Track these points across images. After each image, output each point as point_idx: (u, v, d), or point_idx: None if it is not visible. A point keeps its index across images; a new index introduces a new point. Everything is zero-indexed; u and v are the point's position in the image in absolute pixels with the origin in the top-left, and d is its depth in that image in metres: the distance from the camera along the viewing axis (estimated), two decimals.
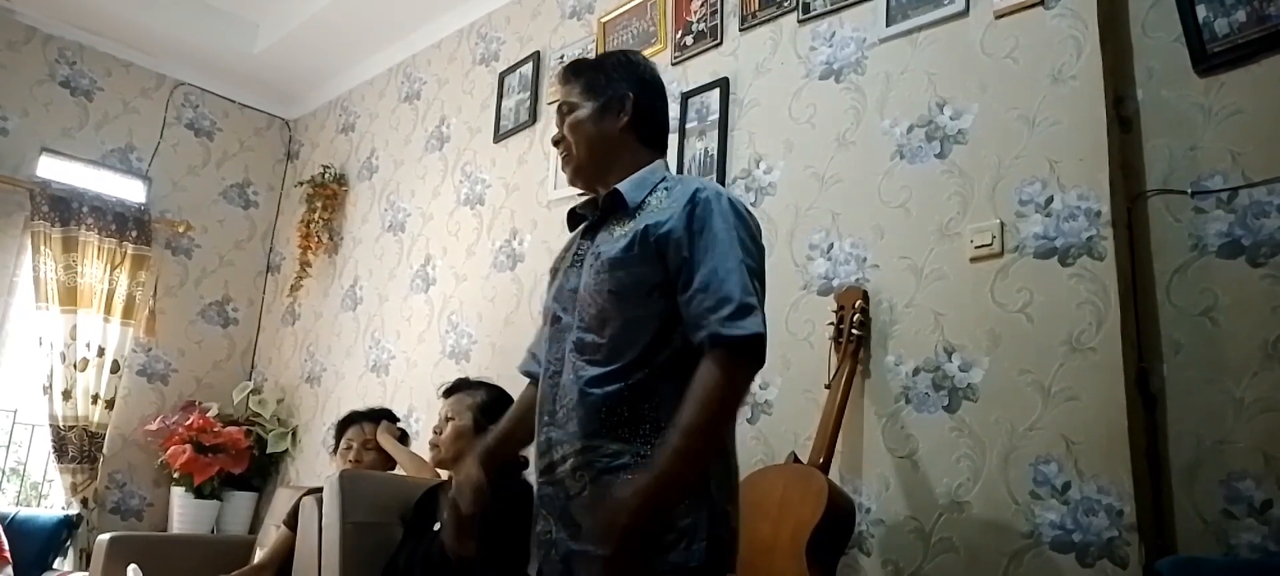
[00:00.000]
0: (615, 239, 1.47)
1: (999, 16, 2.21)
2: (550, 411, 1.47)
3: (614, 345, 1.41)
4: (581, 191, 1.66)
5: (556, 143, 1.63)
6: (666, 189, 1.51)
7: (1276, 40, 1.86)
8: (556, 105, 1.63)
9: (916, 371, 2.16)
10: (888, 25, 2.42)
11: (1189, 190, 1.92)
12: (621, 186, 1.53)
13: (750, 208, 1.53)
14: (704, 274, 1.38)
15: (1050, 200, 2.03)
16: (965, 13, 2.27)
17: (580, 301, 1.48)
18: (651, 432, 1.37)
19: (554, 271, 1.65)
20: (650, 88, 1.62)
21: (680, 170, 2.85)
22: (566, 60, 3.43)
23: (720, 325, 1.34)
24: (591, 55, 3.30)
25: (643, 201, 1.51)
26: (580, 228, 1.64)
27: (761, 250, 1.48)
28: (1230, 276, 1.84)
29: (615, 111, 1.56)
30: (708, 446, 1.35)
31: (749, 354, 1.36)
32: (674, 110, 2.92)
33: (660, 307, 1.41)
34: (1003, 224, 2.09)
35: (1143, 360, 1.90)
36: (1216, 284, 1.86)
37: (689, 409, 1.32)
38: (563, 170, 1.65)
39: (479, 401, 2.50)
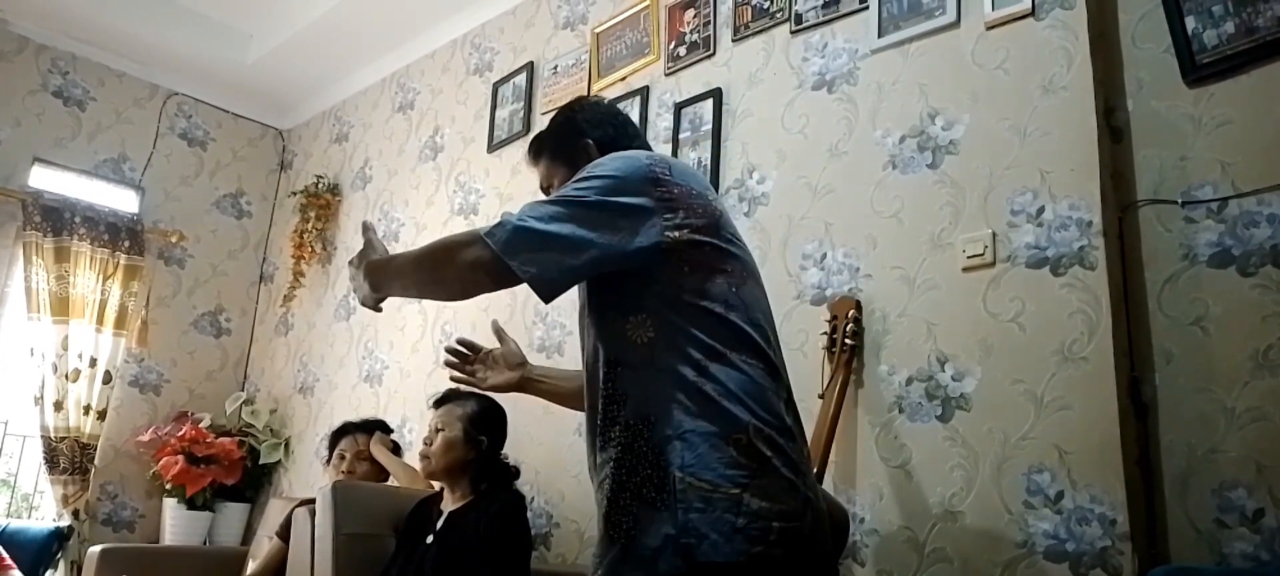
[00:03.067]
0: None
1: (990, 28, 2.22)
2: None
3: (596, 355, 1.38)
4: None
5: None
6: None
7: (1265, 51, 1.87)
8: (540, 187, 1.68)
9: (909, 381, 2.16)
10: (879, 36, 2.43)
11: (1179, 200, 1.93)
12: None
13: (647, 155, 1.44)
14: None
15: (1042, 210, 2.04)
16: (956, 24, 2.28)
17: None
18: (620, 433, 1.28)
19: None
20: (606, 123, 1.64)
21: None
22: (558, 71, 3.44)
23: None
24: (585, 64, 3.32)
25: None
26: None
27: (598, 183, 1.34)
28: (1221, 286, 1.85)
29: (584, 160, 1.53)
30: (404, 274, 1.47)
31: (478, 245, 1.31)
32: (667, 120, 2.95)
33: (624, 304, 1.34)
34: (995, 234, 2.10)
35: (1134, 369, 1.91)
36: (1207, 293, 1.86)
37: (417, 248, 1.47)
38: None
39: (469, 412, 2.50)
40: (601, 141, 1.59)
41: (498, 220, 1.33)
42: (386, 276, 1.50)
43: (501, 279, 1.32)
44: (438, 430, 2.48)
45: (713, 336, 1.29)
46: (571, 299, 3.21)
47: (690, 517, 1.19)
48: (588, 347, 1.43)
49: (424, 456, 2.49)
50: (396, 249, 3.99)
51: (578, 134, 1.61)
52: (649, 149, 1.64)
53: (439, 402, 2.58)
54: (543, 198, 1.41)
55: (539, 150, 1.66)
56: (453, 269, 1.37)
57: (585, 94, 3.10)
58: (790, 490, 1.25)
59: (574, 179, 1.38)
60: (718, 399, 1.25)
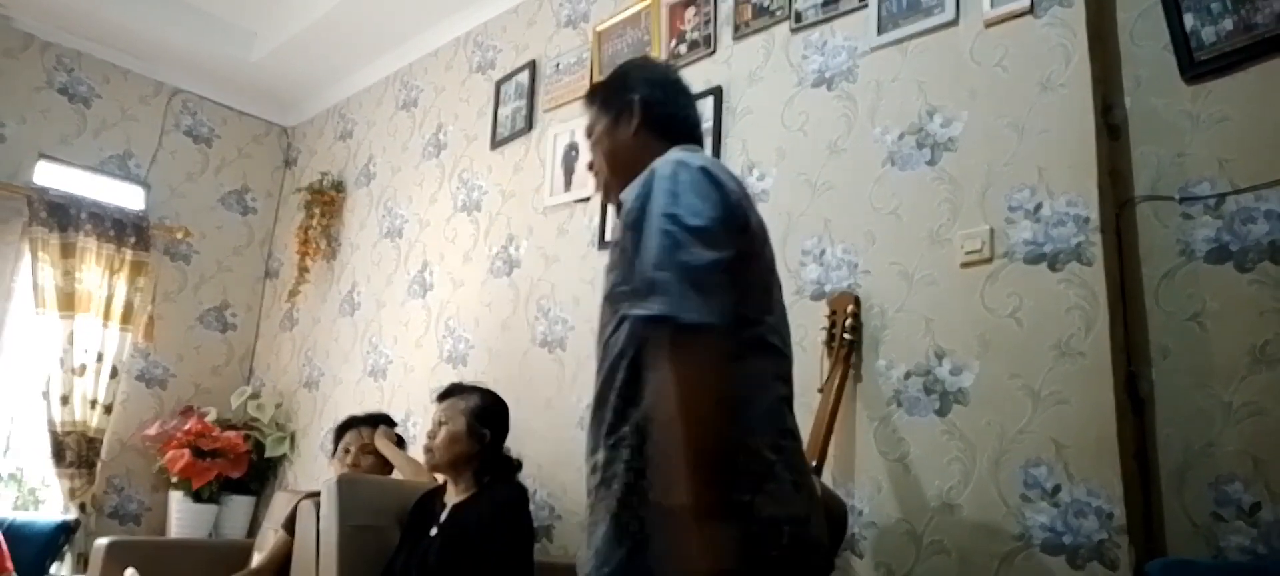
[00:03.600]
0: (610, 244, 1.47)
1: (989, 25, 2.23)
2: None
3: (607, 348, 1.38)
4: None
5: (590, 167, 1.66)
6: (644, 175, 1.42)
7: (1263, 48, 1.88)
8: (586, 134, 1.67)
9: (908, 375, 2.18)
10: (879, 34, 2.44)
11: (1177, 196, 1.94)
12: (624, 193, 1.47)
13: (717, 167, 1.38)
14: (637, 265, 1.28)
15: (1039, 206, 2.05)
16: (955, 22, 2.30)
17: (602, 305, 1.47)
18: (630, 433, 1.28)
19: None
20: (657, 85, 1.61)
21: None
22: (560, 68, 3.45)
23: (629, 305, 1.26)
24: (587, 62, 3.33)
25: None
26: None
27: (706, 210, 1.28)
28: (1218, 282, 1.86)
29: (626, 119, 1.57)
30: (690, 450, 1.15)
31: (671, 331, 1.19)
32: None
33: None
34: (992, 230, 2.11)
35: (1131, 364, 1.92)
36: (1204, 289, 1.88)
37: (657, 430, 1.20)
38: (596, 191, 1.66)
39: (473, 406, 2.52)
40: (648, 100, 1.57)
41: (630, 292, 1.26)
42: (688, 508, 1.15)
43: (714, 339, 1.21)
44: (441, 423, 2.50)
45: (738, 342, 1.28)
46: (573, 294, 3.24)
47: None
48: (606, 338, 1.38)
49: (428, 449, 2.51)
50: (398, 244, 4.03)
51: (627, 89, 1.60)
52: (696, 115, 1.64)
53: (442, 396, 2.60)
54: (651, 221, 1.28)
55: (592, 97, 1.67)
56: (689, 388, 1.18)
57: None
58: (795, 493, 1.27)
59: (672, 204, 1.27)
60: (733, 407, 1.24)
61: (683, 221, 1.26)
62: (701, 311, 1.19)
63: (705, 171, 1.35)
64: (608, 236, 1.64)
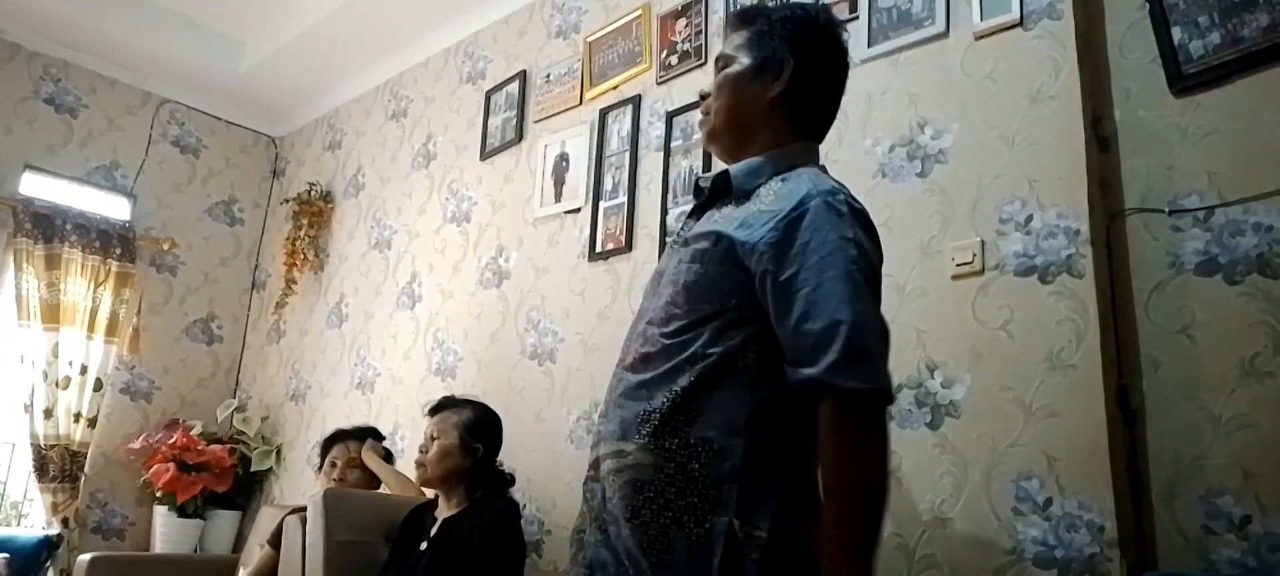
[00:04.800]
0: (707, 227, 1.32)
1: (979, 38, 2.23)
2: (605, 403, 1.36)
3: (671, 345, 1.27)
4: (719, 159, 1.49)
5: (701, 97, 1.47)
6: (783, 181, 1.31)
7: (1251, 61, 1.89)
8: (716, 57, 1.47)
9: (899, 388, 2.17)
10: (869, 46, 2.44)
11: (1166, 209, 1.95)
12: (733, 168, 1.37)
13: (856, 210, 1.29)
14: (807, 299, 1.17)
15: (1030, 219, 2.05)
16: (945, 34, 2.30)
17: (660, 288, 1.35)
18: (679, 449, 1.21)
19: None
20: (824, 59, 1.41)
21: (665, 189, 2.86)
22: (551, 79, 3.44)
23: (830, 372, 1.13)
24: (577, 73, 3.32)
25: (753, 190, 1.33)
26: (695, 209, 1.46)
27: (879, 270, 1.27)
28: (1207, 294, 1.86)
29: (770, 77, 1.37)
30: (871, 529, 1.13)
31: (874, 406, 1.15)
32: (659, 129, 2.96)
33: (730, 316, 1.25)
34: (983, 242, 2.11)
35: (1122, 377, 1.92)
36: (1194, 301, 1.88)
37: (832, 504, 1.12)
38: (700, 128, 1.48)
39: (466, 419, 2.50)
40: (803, 73, 1.37)
41: (834, 364, 1.13)
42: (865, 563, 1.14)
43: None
44: (433, 437, 2.48)
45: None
46: (564, 306, 3.23)
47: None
48: (674, 329, 1.28)
49: (420, 464, 2.49)
50: (386, 256, 4.01)
51: (788, 40, 1.38)
52: (830, 123, 1.49)
53: (434, 410, 2.58)
54: (833, 269, 1.19)
55: (748, 22, 1.44)
56: (879, 465, 1.17)
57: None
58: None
59: (856, 255, 1.21)
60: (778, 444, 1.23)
61: (873, 283, 1.22)
62: (890, 385, 1.19)
63: (870, 219, 1.30)
64: (682, 217, 1.49)
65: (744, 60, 1.40)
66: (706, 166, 2.77)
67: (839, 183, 1.33)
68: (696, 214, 1.42)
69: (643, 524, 1.21)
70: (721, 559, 1.16)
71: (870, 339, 1.16)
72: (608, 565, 1.25)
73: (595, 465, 1.33)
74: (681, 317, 1.28)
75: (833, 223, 1.22)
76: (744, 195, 1.33)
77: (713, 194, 1.38)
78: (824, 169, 1.41)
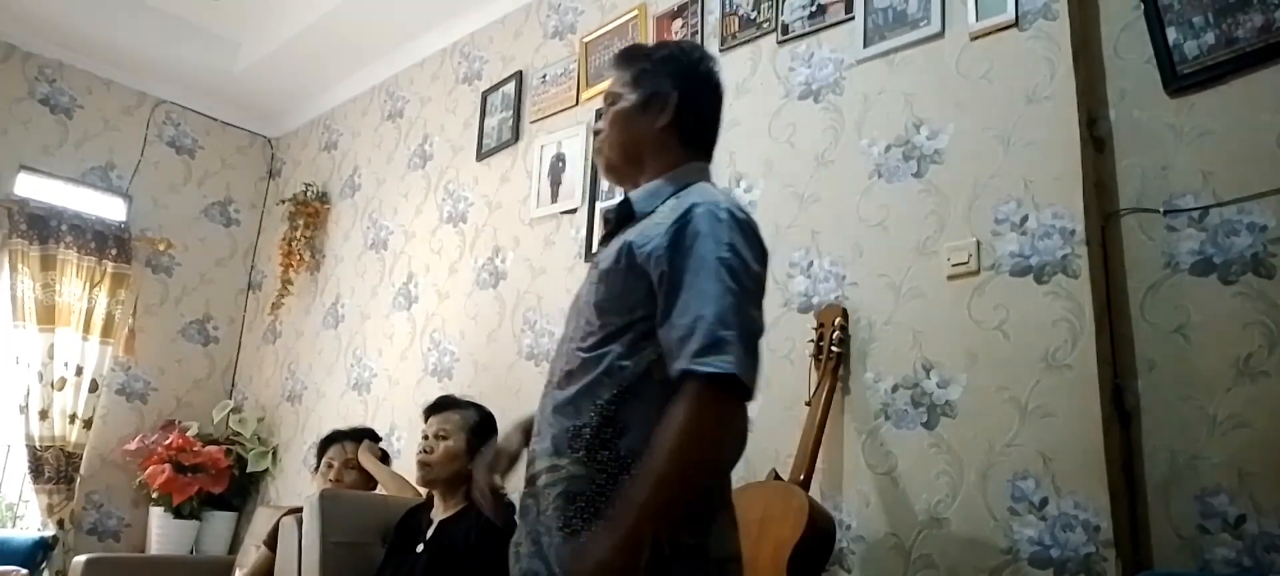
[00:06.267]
0: (613, 248, 1.40)
1: (974, 38, 2.24)
2: (537, 422, 1.44)
3: (589, 359, 1.35)
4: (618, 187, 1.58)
5: (595, 133, 1.57)
6: (677, 199, 1.40)
7: (1245, 62, 1.89)
8: (604, 94, 1.56)
9: (895, 388, 2.17)
10: (865, 46, 2.45)
11: (1161, 209, 1.95)
12: (633, 194, 1.46)
13: (743, 221, 1.38)
14: (682, 300, 1.26)
15: (1025, 219, 2.05)
16: (941, 34, 2.30)
17: (578, 310, 1.44)
18: (610, 461, 1.28)
19: None
20: (700, 86, 1.52)
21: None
22: (547, 79, 3.44)
23: (689, 360, 1.22)
24: (573, 73, 3.33)
25: (653, 211, 1.41)
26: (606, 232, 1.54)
27: (757, 272, 1.35)
28: (1202, 294, 1.87)
29: (656, 109, 1.47)
30: (676, 498, 1.20)
31: (724, 391, 1.21)
32: None
33: (640, 328, 1.33)
34: (979, 242, 2.11)
35: (1117, 377, 1.93)
36: (1189, 301, 1.88)
37: (655, 456, 1.20)
38: (594, 160, 1.58)
39: (472, 422, 2.50)
40: (686, 101, 1.48)
41: (694, 352, 1.21)
42: (641, 539, 1.19)
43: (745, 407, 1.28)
44: (440, 437, 2.46)
45: None
46: (560, 306, 3.23)
47: None
48: (589, 345, 1.36)
49: (425, 465, 2.47)
50: (382, 256, 4.00)
51: (669, 76, 1.49)
52: (716, 134, 1.57)
53: (433, 409, 2.57)
54: (708, 271, 1.27)
55: (629, 62, 1.55)
56: (712, 448, 1.25)
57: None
58: (735, 531, 1.38)
59: (732, 258, 1.28)
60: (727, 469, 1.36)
61: (743, 282, 1.28)
62: (752, 378, 1.24)
63: (755, 228, 1.37)
64: (595, 244, 1.57)
65: (632, 97, 1.50)
66: None
67: (726, 194, 1.44)
68: (606, 241, 1.49)
69: (573, 532, 1.28)
70: (648, 563, 1.20)
71: (728, 332, 1.22)
72: (540, 574, 1.32)
73: (532, 481, 1.40)
74: (596, 332, 1.36)
75: (712, 229, 1.30)
76: (645, 216, 1.42)
77: (619, 222, 1.47)
78: (714, 185, 1.50)
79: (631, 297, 1.34)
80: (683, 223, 1.32)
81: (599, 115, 1.56)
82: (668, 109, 1.47)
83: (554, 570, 1.30)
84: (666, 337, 1.28)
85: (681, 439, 1.19)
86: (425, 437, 2.51)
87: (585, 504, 1.28)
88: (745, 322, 1.26)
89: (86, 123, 4.47)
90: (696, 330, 1.23)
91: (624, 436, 1.29)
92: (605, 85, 1.55)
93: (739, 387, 1.22)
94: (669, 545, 1.23)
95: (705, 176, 1.51)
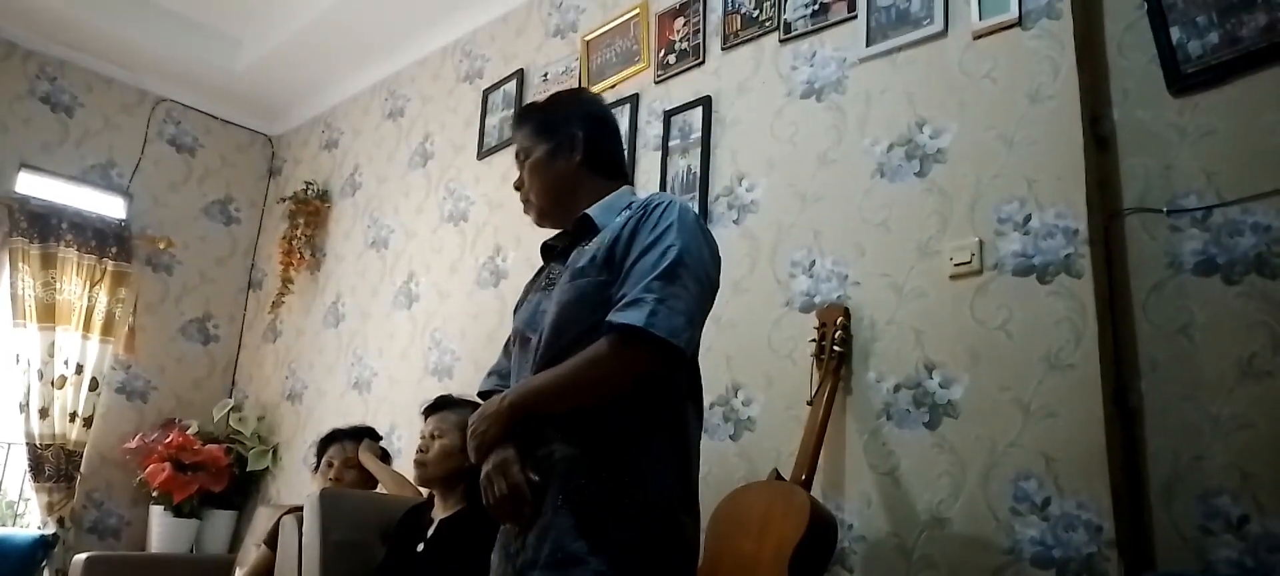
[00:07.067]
0: (583, 254, 1.52)
1: (977, 37, 2.23)
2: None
3: (568, 353, 1.44)
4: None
5: (517, 187, 1.70)
6: (629, 208, 1.56)
7: (1248, 62, 1.88)
8: (515, 153, 1.71)
9: (897, 388, 2.17)
10: (868, 45, 2.44)
11: (1165, 209, 1.95)
12: (591, 210, 1.59)
13: (706, 228, 1.58)
14: (625, 271, 1.44)
15: (1028, 218, 2.05)
16: (944, 33, 2.30)
17: (546, 318, 1.52)
18: (603, 436, 1.41)
19: (520, 300, 1.70)
20: (598, 122, 1.69)
21: (663, 188, 2.86)
22: (548, 78, 3.45)
23: (612, 313, 1.40)
24: (575, 72, 3.33)
25: (611, 222, 1.56)
26: (552, 259, 1.69)
27: (703, 255, 1.49)
28: (1206, 294, 1.86)
29: (567, 151, 1.62)
30: (547, 397, 1.42)
31: (628, 340, 1.38)
32: (657, 128, 2.96)
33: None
34: (982, 242, 2.11)
35: (1121, 377, 1.92)
36: (1192, 302, 1.88)
37: (557, 368, 1.41)
38: (526, 214, 1.72)
39: (467, 420, 2.49)
40: (591, 137, 1.64)
41: (618, 307, 1.41)
42: (516, 411, 1.45)
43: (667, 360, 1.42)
44: (436, 437, 2.46)
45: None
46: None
47: None
48: (554, 345, 1.48)
49: (421, 464, 2.47)
50: (383, 255, 4.00)
51: (568, 122, 1.65)
52: (625, 160, 1.75)
53: (431, 409, 2.57)
54: (654, 249, 1.44)
55: (528, 118, 1.70)
56: (597, 381, 1.42)
57: (584, 88, 3.10)
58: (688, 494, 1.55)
59: (675, 240, 1.44)
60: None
61: (683, 256, 1.43)
62: (686, 343, 1.41)
63: (693, 218, 1.53)
64: (540, 280, 1.68)
65: (541, 148, 1.65)
66: (704, 167, 2.77)
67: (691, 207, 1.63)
68: (562, 259, 1.61)
69: (581, 504, 1.40)
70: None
71: (663, 303, 1.38)
72: (581, 552, 1.37)
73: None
74: (573, 327, 1.46)
75: (665, 218, 1.47)
76: (604, 227, 1.55)
77: (575, 238, 1.60)
78: None
79: (605, 288, 1.46)
80: (641, 212, 1.50)
81: (518, 177, 1.71)
82: (578, 147, 1.62)
83: (585, 543, 1.35)
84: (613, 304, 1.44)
85: (581, 363, 1.41)
86: (422, 438, 2.51)
87: (584, 483, 1.40)
88: (680, 294, 1.42)
89: (87, 121, 4.47)
90: (628, 293, 1.41)
91: (611, 415, 1.42)
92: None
93: (643, 339, 1.37)
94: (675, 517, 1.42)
95: (632, 190, 1.67)
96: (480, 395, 1.74)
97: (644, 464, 1.41)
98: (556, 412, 1.43)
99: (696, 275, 1.45)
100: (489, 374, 1.77)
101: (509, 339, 1.74)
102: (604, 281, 1.47)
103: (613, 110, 1.79)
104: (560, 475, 1.40)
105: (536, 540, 1.39)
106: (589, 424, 1.41)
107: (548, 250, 1.71)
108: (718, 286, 1.55)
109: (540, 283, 1.65)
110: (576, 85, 3.30)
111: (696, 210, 1.54)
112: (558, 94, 1.77)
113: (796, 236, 2.48)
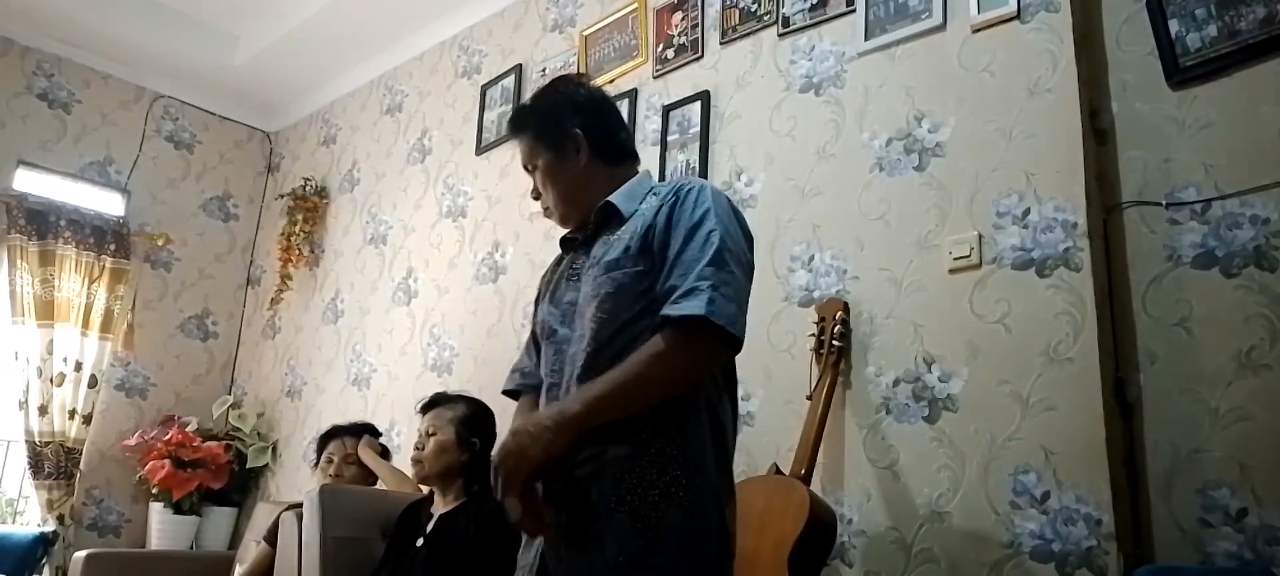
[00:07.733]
0: (613, 244, 1.48)
1: (976, 31, 2.23)
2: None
3: (615, 348, 1.40)
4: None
5: (536, 197, 1.66)
6: (655, 194, 1.52)
7: (1247, 54, 1.89)
8: (522, 165, 1.66)
9: (897, 382, 2.17)
10: (866, 39, 2.44)
11: (1163, 202, 1.95)
12: (613, 197, 1.54)
13: (738, 210, 1.53)
14: (670, 261, 1.40)
15: (1027, 212, 2.05)
16: (942, 27, 2.30)
17: (580, 312, 1.48)
18: (650, 431, 1.36)
19: (542, 293, 1.66)
20: (594, 110, 1.62)
21: (662, 181, 2.86)
22: (547, 73, 3.44)
23: (668, 306, 1.35)
24: (573, 66, 3.32)
25: (637, 210, 1.51)
26: (572, 249, 1.64)
27: (741, 239, 1.46)
28: (1204, 287, 1.86)
29: (573, 151, 1.57)
30: (615, 404, 1.34)
31: (692, 332, 1.33)
32: (655, 123, 2.96)
33: (655, 305, 1.41)
34: (981, 236, 2.11)
35: (1119, 370, 1.92)
36: (1191, 294, 1.88)
37: (616, 369, 1.34)
38: (548, 220, 1.68)
39: (461, 415, 2.49)
40: (590, 130, 1.58)
41: (672, 298, 1.36)
42: (578, 423, 1.35)
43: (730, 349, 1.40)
44: (429, 434, 2.47)
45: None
46: None
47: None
48: (621, 324, 1.43)
49: (417, 461, 2.48)
50: (382, 251, 4.00)
51: (565, 119, 1.58)
52: (632, 139, 1.69)
53: (427, 407, 2.57)
54: (697, 235, 1.41)
55: (522, 125, 1.64)
56: (664, 377, 1.37)
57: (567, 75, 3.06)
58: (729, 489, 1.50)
59: (717, 225, 1.40)
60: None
61: (728, 239, 1.40)
62: (741, 331, 1.37)
63: (727, 200, 1.50)
64: (560, 269, 1.65)
65: (546, 154, 1.60)
66: (703, 161, 2.77)
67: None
68: (585, 250, 1.57)
69: (634, 510, 1.35)
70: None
71: (717, 291, 1.34)
72: (641, 553, 1.34)
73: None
74: (614, 321, 1.42)
75: (702, 204, 1.43)
76: (634, 215, 1.51)
77: (598, 227, 1.55)
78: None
79: (644, 279, 1.42)
80: (676, 198, 1.46)
81: (533, 188, 1.66)
82: (582, 145, 1.57)
83: (643, 542, 1.33)
84: (661, 294, 1.39)
85: (640, 360, 1.35)
86: (418, 435, 2.51)
87: (637, 481, 1.35)
88: (732, 280, 1.39)
89: (85, 117, 4.46)
90: (682, 283, 1.37)
91: (661, 408, 1.37)
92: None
93: (708, 328, 1.33)
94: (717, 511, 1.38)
95: (649, 175, 1.64)
96: (506, 394, 1.71)
97: (690, 457, 1.37)
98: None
99: (739, 259, 1.42)
100: (513, 371, 1.72)
101: (530, 334, 1.69)
102: (641, 271, 1.42)
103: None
104: (613, 476, 1.36)
105: (591, 542, 1.36)
106: (638, 421, 1.36)
107: (568, 242, 1.66)
108: (755, 268, 1.51)
109: (563, 274, 1.60)
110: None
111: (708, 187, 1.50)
112: (543, 92, 1.69)
113: (795, 231, 2.48)
